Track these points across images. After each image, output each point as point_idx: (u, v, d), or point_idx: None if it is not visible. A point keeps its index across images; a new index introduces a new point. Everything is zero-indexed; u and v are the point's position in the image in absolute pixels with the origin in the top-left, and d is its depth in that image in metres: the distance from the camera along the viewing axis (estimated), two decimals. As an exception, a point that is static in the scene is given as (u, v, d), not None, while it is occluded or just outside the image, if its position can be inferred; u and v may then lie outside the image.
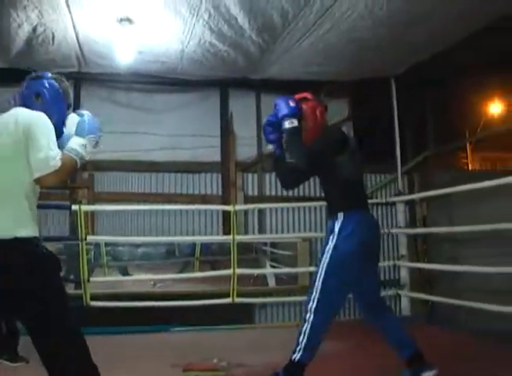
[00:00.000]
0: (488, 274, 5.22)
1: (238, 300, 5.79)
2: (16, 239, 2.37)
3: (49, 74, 2.82)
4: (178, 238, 7.30)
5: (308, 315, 3.21)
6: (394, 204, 6.92)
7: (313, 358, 3.22)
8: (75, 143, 2.63)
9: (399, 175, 7.19)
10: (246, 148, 7.67)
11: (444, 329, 5.55)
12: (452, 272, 6.30)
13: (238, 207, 6.09)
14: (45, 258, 2.46)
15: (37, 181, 2.49)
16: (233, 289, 5.72)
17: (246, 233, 7.45)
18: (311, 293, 3.25)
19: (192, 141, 7.62)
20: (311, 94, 3.53)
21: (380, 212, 7.68)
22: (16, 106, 2.68)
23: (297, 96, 3.46)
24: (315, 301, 3.21)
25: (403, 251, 6.57)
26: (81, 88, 7.52)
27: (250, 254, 7.30)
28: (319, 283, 3.23)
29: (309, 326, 3.18)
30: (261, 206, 7.24)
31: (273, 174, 7.61)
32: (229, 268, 5.82)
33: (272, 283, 7.39)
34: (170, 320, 5.74)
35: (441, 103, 8.13)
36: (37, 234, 2.48)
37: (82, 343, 2.43)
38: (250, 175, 7.72)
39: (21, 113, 2.59)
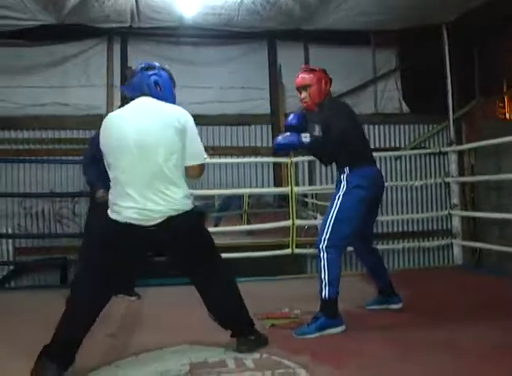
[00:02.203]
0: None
1: (297, 251, 5.91)
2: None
3: (157, 64, 3.25)
4: (241, 190, 7.55)
5: (322, 254, 3.68)
6: (446, 153, 6.96)
7: (338, 292, 3.64)
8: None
9: (451, 124, 7.15)
10: (295, 99, 7.62)
11: (493, 276, 5.64)
12: (500, 220, 6.38)
13: (295, 158, 6.14)
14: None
15: (187, 169, 3.05)
16: (293, 240, 5.84)
17: (297, 185, 7.53)
18: (322, 233, 3.72)
19: (241, 94, 7.65)
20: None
21: (430, 161, 7.72)
22: (133, 94, 3.17)
23: (305, 66, 4.23)
24: (326, 240, 3.68)
25: (455, 200, 6.64)
26: (128, 43, 7.56)
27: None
28: (329, 225, 3.71)
29: (325, 262, 3.65)
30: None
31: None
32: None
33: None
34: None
35: (490, 52, 7.98)
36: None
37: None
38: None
39: (171, 107, 3.08)
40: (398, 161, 7.78)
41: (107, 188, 4.30)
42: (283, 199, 6.95)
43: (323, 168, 7.59)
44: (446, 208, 6.81)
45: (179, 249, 3.05)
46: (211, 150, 7.31)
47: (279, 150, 3.96)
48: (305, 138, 3.78)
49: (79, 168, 7.18)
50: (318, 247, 3.72)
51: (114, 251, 2.94)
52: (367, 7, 6.10)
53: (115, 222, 2.96)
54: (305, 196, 8.37)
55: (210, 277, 3.17)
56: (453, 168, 6.61)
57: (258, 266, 5.94)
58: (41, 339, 2.80)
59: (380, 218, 7.22)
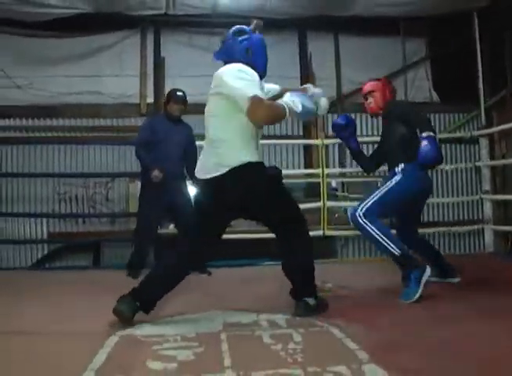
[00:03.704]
0: None
1: (329, 233, 5.94)
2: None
3: (247, 28, 3.34)
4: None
5: (361, 220, 3.77)
6: (477, 141, 6.95)
7: (404, 246, 3.78)
8: (286, 96, 3.16)
9: (482, 112, 7.14)
10: (325, 89, 7.61)
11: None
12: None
13: (326, 141, 6.19)
14: None
15: (248, 113, 3.02)
16: (324, 221, 5.87)
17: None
18: (362, 202, 3.85)
19: (272, 82, 7.68)
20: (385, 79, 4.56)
21: (461, 149, 7.71)
22: (223, 58, 3.36)
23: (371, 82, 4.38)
24: (364, 208, 3.79)
25: (486, 186, 6.63)
26: (161, 33, 7.69)
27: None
28: (373, 198, 3.85)
29: (370, 225, 3.75)
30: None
31: (353, 114, 7.67)
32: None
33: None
34: (255, 254, 5.95)
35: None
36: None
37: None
38: (329, 116, 7.77)
39: (223, 69, 3.22)
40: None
41: (160, 170, 4.78)
42: (313, 193, 6.86)
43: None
44: (477, 194, 6.82)
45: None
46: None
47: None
48: None
49: (112, 153, 7.43)
50: (355, 215, 3.81)
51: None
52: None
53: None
54: (336, 190, 8.39)
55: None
56: (484, 153, 6.59)
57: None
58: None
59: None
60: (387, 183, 3.98)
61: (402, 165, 4.00)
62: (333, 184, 7.70)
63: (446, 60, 7.94)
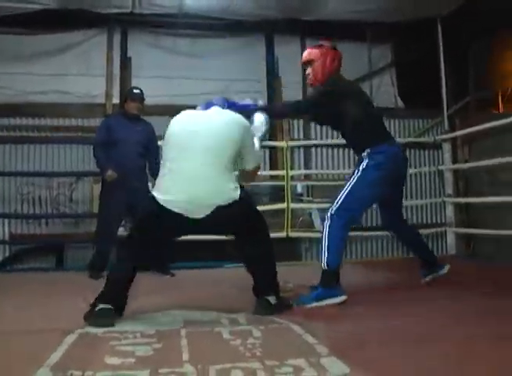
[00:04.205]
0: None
1: (292, 234, 5.96)
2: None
3: None
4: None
5: (326, 221, 3.65)
6: (440, 146, 7.08)
7: (340, 263, 3.61)
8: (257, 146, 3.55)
9: (445, 118, 7.25)
10: (291, 92, 7.75)
11: (486, 265, 5.74)
12: (494, 210, 6.46)
13: (291, 143, 6.23)
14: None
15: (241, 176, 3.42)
16: (287, 223, 5.89)
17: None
18: (333, 203, 3.67)
19: (238, 86, 7.72)
20: (329, 42, 3.97)
21: (424, 154, 7.81)
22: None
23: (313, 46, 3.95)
24: (334, 208, 3.64)
25: (449, 189, 6.77)
26: (128, 33, 7.65)
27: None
28: (341, 196, 3.66)
29: (328, 229, 3.61)
30: (314, 142, 7.39)
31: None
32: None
33: (317, 224, 7.59)
34: (217, 256, 5.96)
35: (485, 47, 8.08)
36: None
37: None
38: (295, 121, 7.82)
39: (232, 115, 3.31)
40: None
41: (116, 169, 4.91)
42: (278, 196, 6.87)
43: (319, 153, 7.66)
44: (440, 197, 6.96)
45: None
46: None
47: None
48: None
49: (77, 154, 7.34)
50: (326, 215, 3.70)
51: None
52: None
53: None
54: (301, 195, 8.43)
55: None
56: (447, 157, 6.73)
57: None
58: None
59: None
60: (354, 174, 3.72)
61: (366, 151, 3.71)
62: (299, 189, 7.74)
63: (411, 67, 8.05)
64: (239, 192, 3.18)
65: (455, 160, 7.23)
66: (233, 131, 3.22)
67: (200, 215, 3.11)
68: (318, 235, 6.88)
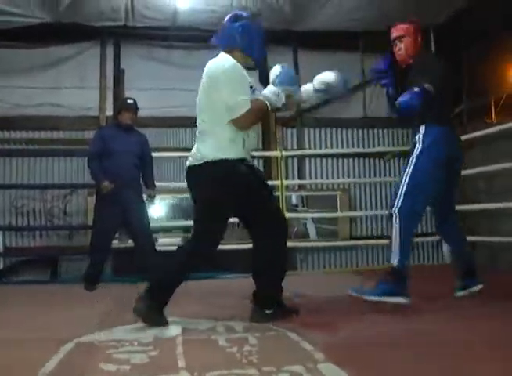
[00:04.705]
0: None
1: (288, 244, 5.89)
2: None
3: (244, 14, 3.33)
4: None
5: (394, 218, 3.51)
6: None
7: (408, 263, 3.51)
8: (269, 90, 3.19)
9: (438, 126, 7.27)
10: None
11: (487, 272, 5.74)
12: (490, 218, 6.47)
13: (285, 153, 6.24)
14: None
15: (233, 122, 3.09)
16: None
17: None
18: (396, 196, 3.56)
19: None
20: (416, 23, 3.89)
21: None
22: (219, 44, 3.30)
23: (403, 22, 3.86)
24: (399, 203, 3.52)
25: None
26: (121, 45, 7.66)
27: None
28: (403, 188, 3.55)
29: (398, 228, 3.48)
30: (308, 152, 7.39)
31: (313, 129, 7.76)
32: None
33: (313, 235, 7.60)
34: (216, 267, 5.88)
35: (477, 56, 8.11)
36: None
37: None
38: (289, 130, 7.83)
39: (212, 64, 3.22)
40: (387, 164, 7.85)
41: (111, 181, 4.73)
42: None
43: (313, 163, 7.65)
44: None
45: None
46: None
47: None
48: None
49: (71, 167, 7.33)
50: (391, 211, 3.57)
51: None
52: (354, 3, 6.25)
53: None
54: (296, 206, 8.44)
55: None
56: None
57: (238, 263, 5.98)
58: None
59: (368, 212, 7.34)
60: (410, 162, 3.64)
61: (422, 128, 3.66)
62: (294, 201, 7.76)
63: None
64: (218, 153, 3.14)
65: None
66: (204, 81, 3.24)
67: None
68: (313, 245, 6.99)
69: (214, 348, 2.61)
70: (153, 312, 3.12)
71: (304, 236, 7.59)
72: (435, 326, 3.04)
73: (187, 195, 6.97)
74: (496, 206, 6.02)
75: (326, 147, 7.65)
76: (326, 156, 7.62)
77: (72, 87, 7.47)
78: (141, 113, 5.59)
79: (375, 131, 7.95)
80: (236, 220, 3.99)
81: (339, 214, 7.28)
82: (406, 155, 7.33)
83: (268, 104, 3.14)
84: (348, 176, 7.60)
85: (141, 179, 5.39)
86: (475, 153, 6.98)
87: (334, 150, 7.57)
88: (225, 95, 3.08)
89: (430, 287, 4.44)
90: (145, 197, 5.41)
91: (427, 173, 3.58)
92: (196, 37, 7.37)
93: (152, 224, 5.68)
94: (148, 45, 7.78)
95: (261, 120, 3.39)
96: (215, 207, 3.20)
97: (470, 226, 6.94)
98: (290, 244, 5.91)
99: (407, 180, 3.56)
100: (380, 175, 7.70)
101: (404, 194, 3.53)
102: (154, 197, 5.46)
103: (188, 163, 3.29)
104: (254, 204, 3.25)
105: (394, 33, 3.85)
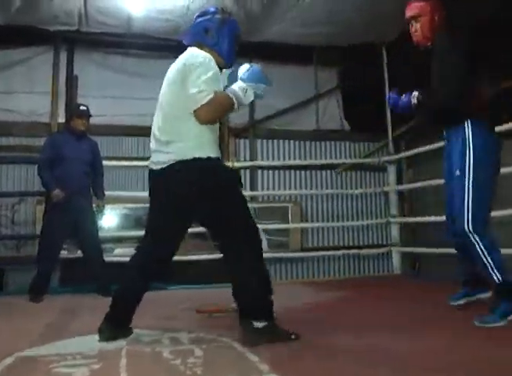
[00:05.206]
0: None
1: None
2: None
3: (213, 9, 3.18)
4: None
5: (472, 237, 3.23)
6: (385, 168, 7.26)
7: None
8: (236, 85, 3.00)
9: (390, 140, 7.43)
10: (238, 114, 7.72)
11: (432, 283, 5.85)
12: (438, 230, 6.60)
13: (237, 164, 6.24)
14: None
15: (195, 115, 2.89)
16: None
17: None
18: (463, 213, 3.27)
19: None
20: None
21: (372, 175, 7.92)
22: (186, 41, 3.13)
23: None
24: (470, 220, 3.24)
25: (394, 210, 6.93)
26: (75, 51, 7.54)
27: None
28: (468, 198, 3.26)
29: (482, 246, 3.22)
30: (261, 163, 7.42)
31: (265, 140, 7.76)
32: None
33: (264, 247, 7.58)
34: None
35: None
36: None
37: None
38: (242, 141, 7.82)
39: (183, 55, 3.04)
40: (339, 176, 7.92)
41: (62, 188, 4.64)
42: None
43: (266, 175, 7.65)
44: (386, 217, 7.13)
45: None
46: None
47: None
48: (413, 98, 3.43)
49: (20, 174, 7.15)
50: (462, 231, 3.30)
51: None
52: (309, 18, 6.28)
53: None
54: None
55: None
56: (392, 179, 6.89)
57: (189, 274, 5.98)
58: None
59: (320, 224, 7.39)
60: (465, 164, 3.29)
61: (468, 125, 3.31)
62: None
63: (357, 90, 8.20)
64: (194, 151, 2.91)
65: (400, 182, 7.39)
66: (170, 76, 3.11)
67: None
68: (271, 255, 6.99)
69: (158, 360, 2.58)
70: (119, 331, 3.04)
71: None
72: (382, 338, 3.07)
73: (139, 204, 7.02)
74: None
75: (278, 159, 7.67)
76: (279, 167, 7.64)
77: (23, 92, 7.30)
78: (93, 120, 5.52)
79: (327, 143, 8.00)
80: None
81: (290, 225, 7.29)
82: (358, 168, 7.68)
83: (234, 100, 2.94)
84: (300, 188, 7.63)
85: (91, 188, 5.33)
86: (425, 167, 7.15)
87: (287, 162, 7.60)
88: (189, 84, 2.88)
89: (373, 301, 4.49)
90: (94, 206, 5.34)
91: (487, 181, 3.32)
92: (150, 46, 7.33)
93: (102, 234, 5.60)
94: (102, 52, 7.66)
95: (225, 115, 3.20)
96: (185, 210, 2.97)
97: (419, 238, 7.12)
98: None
99: (470, 194, 3.27)
100: (331, 187, 7.75)
101: (472, 207, 3.26)
102: (103, 207, 5.40)
103: (154, 166, 3.04)
104: (230, 208, 2.98)
105: (409, 12, 3.51)
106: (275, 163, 7.54)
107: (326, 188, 7.71)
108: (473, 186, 3.26)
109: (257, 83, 3.05)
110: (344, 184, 7.86)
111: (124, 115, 7.37)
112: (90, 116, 5.32)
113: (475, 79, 3.38)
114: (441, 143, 6.13)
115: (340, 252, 7.19)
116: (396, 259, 6.89)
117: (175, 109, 2.98)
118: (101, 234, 5.60)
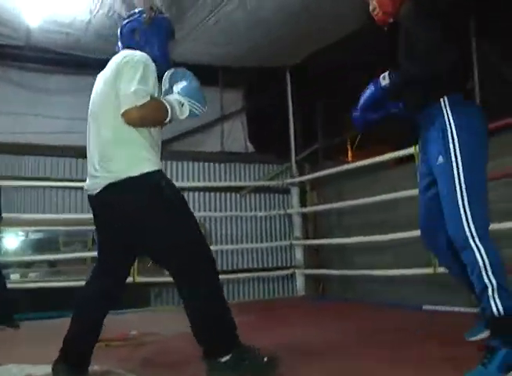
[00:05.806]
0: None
1: (139, 279, 5.74)
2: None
3: (141, 9, 2.91)
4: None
5: (474, 247, 2.38)
6: (288, 191, 7.31)
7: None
8: (172, 97, 2.71)
9: (293, 163, 7.50)
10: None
11: (333, 303, 6.00)
12: (341, 248, 6.72)
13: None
14: None
15: (123, 116, 2.53)
16: (134, 267, 5.65)
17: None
18: (460, 222, 2.42)
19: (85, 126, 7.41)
20: None
21: (275, 197, 7.94)
22: (121, 49, 2.85)
23: None
24: (472, 230, 2.38)
25: (297, 232, 6.98)
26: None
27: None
28: (463, 203, 2.42)
29: (485, 258, 2.36)
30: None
31: (170, 162, 7.61)
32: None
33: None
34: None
35: (332, 97, 8.44)
36: None
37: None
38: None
39: (116, 56, 2.75)
40: (244, 198, 7.89)
41: None
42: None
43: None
44: (289, 240, 7.15)
45: None
46: (59, 181, 6.91)
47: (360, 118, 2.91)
48: (383, 79, 2.58)
49: None
50: (461, 246, 2.45)
51: None
52: (214, 38, 6.24)
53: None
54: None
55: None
56: (295, 201, 6.94)
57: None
58: None
59: (225, 246, 7.32)
60: (451, 159, 2.46)
61: (444, 99, 2.55)
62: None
63: (262, 112, 8.26)
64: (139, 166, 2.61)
65: (303, 204, 7.44)
66: (101, 81, 2.81)
67: None
68: (167, 280, 6.81)
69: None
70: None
71: (158, 271, 7.39)
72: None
73: (39, 227, 6.68)
74: (348, 241, 6.25)
75: (183, 180, 7.56)
76: (184, 189, 7.51)
77: None
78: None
79: (231, 165, 7.97)
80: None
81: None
82: (262, 190, 7.69)
83: (169, 111, 2.63)
84: (205, 210, 7.54)
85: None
86: (328, 190, 7.25)
87: (192, 184, 7.51)
88: (122, 84, 2.57)
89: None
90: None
91: (481, 164, 2.54)
92: (51, 60, 7.06)
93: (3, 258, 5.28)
94: (2, 66, 7.29)
95: (154, 125, 2.72)
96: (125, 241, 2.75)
97: (323, 260, 7.18)
98: (143, 279, 5.87)
99: (462, 182, 2.45)
100: (236, 210, 7.71)
101: (471, 212, 2.42)
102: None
103: (96, 186, 2.67)
104: (181, 227, 2.66)
105: None
106: (181, 184, 7.40)
107: (231, 210, 7.66)
108: (464, 171, 2.45)
109: (195, 101, 2.81)
110: (249, 206, 7.83)
111: (24, 133, 7.02)
112: None
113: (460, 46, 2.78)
114: (346, 166, 6.34)
115: (243, 275, 7.13)
116: (300, 281, 6.91)
117: (106, 118, 2.66)
118: None
